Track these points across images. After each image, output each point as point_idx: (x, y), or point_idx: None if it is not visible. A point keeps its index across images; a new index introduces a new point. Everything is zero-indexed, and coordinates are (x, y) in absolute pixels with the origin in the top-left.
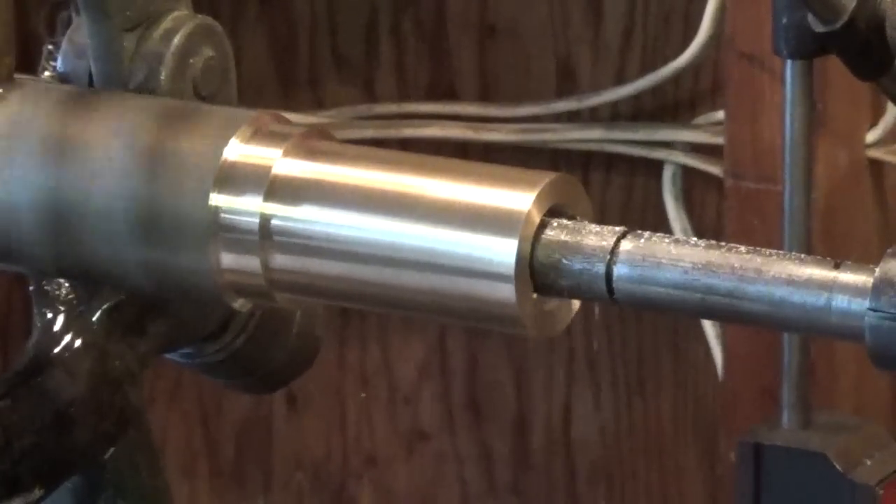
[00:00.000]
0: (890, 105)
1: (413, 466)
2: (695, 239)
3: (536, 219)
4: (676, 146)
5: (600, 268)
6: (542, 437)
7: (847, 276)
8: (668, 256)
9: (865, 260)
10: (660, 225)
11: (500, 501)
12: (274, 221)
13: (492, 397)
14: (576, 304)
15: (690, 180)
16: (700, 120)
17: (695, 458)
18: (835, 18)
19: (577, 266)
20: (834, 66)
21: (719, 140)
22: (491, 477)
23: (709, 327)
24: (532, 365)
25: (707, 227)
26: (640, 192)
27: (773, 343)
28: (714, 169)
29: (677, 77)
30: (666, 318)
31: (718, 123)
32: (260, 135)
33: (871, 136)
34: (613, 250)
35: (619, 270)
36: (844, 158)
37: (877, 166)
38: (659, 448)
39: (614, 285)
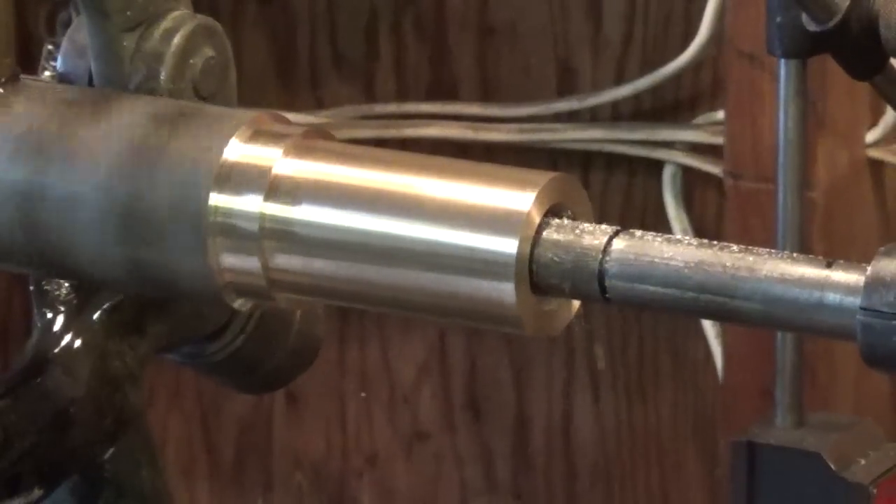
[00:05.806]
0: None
1: (413, 466)
2: (687, 238)
3: (536, 219)
4: (676, 146)
5: (593, 267)
6: (542, 437)
7: (839, 275)
8: (661, 255)
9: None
10: (660, 225)
11: (500, 501)
12: (274, 221)
13: (492, 397)
14: (575, 303)
15: (690, 180)
16: (700, 120)
17: (695, 458)
18: (828, 18)
19: (571, 265)
20: (833, 66)
21: (719, 140)
22: (491, 477)
23: (709, 327)
24: (532, 365)
25: (707, 227)
26: (640, 192)
27: (773, 343)
28: (714, 169)
29: (677, 77)
30: (666, 318)
31: (718, 123)
32: (260, 135)
33: (871, 136)
34: (605, 249)
35: (611, 269)
36: (844, 158)
37: (877, 166)
38: (659, 448)
39: (607, 284)
